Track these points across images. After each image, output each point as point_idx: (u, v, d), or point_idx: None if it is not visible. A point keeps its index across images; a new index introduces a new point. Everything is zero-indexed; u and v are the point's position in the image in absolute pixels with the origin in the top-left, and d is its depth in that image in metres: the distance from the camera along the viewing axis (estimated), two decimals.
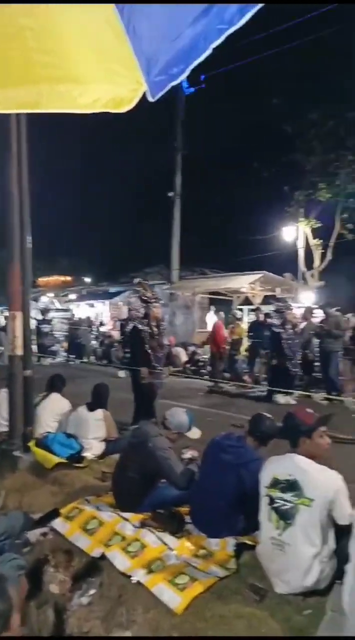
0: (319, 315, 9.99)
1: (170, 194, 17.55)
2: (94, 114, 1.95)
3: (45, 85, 1.84)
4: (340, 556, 2.34)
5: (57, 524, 3.17)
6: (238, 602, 2.40)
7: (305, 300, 14.75)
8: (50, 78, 1.83)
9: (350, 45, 14.02)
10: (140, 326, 5.97)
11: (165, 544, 2.89)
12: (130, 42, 1.64)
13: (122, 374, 11.39)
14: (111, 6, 1.63)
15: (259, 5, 1.22)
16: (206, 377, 11.81)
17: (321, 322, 9.27)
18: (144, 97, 1.79)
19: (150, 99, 1.69)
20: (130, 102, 1.81)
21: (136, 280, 7.08)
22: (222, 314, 12.26)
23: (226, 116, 19.27)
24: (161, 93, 1.63)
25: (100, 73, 1.85)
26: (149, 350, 5.86)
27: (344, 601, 2.04)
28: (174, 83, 1.58)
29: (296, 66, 15.74)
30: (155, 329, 5.99)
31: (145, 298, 6.19)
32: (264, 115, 17.05)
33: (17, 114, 4.22)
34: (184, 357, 13.45)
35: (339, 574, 2.33)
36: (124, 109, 1.83)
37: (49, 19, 1.77)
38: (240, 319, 12.21)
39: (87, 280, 27.79)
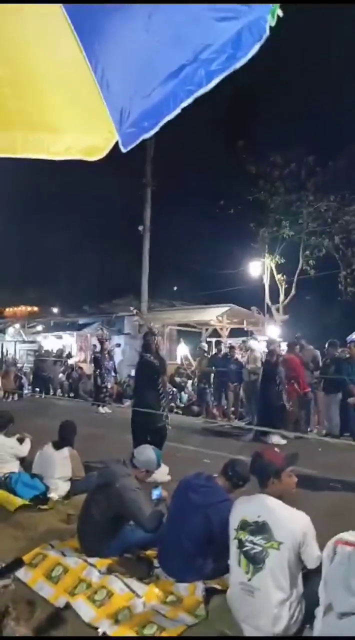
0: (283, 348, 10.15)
1: (140, 227, 17.83)
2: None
3: (20, 132, 1.88)
4: (308, 600, 2.33)
5: (20, 572, 3.03)
6: None
7: (271, 333, 15.02)
8: (25, 125, 1.88)
9: (309, 93, 14.97)
10: (150, 358, 5.41)
11: (133, 591, 2.79)
12: (103, 95, 1.71)
13: (102, 410, 11.14)
14: (84, 59, 1.70)
15: (226, 72, 1.30)
16: (175, 411, 11.72)
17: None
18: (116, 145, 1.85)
19: (123, 150, 1.75)
20: (102, 151, 1.87)
21: (133, 309, 6.84)
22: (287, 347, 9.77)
23: (194, 155, 19.95)
24: (133, 145, 1.70)
25: (74, 122, 1.91)
26: (161, 387, 5.35)
27: None
28: (146, 136, 1.64)
29: (260, 112, 16.61)
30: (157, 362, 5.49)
31: (150, 329, 5.86)
32: (229, 155, 17.78)
33: None
34: None
35: (308, 618, 2.31)
36: (95, 157, 1.88)
37: (26, 69, 1.82)
38: (207, 352, 12.27)
39: (55, 311, 27.43)
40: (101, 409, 11.23)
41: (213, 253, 20.77)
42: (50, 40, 1.82)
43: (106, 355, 11.78)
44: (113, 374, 11.72)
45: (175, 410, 11.98)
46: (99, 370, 11.69)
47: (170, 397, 12.56)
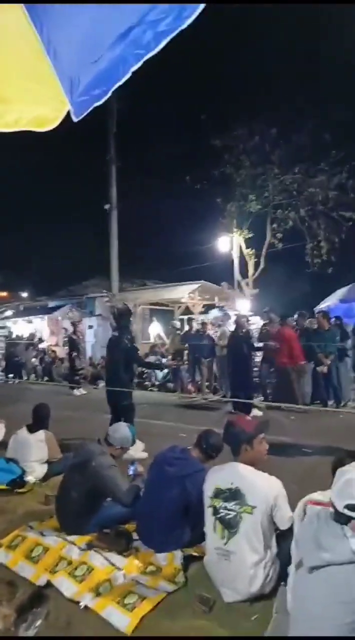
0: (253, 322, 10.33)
1: (107, 206, 17.46)
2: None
3: None
4: (282, 559, 2.42)
5: None
6: (187, 615, 2.41)
7: (242, 308, 15.18)
8: None
9: (272, 65, 14.84)
10: (131, 342, 5.79)
11: (113, 564, 2.84)
12: (52, 64, 1.64)
13: (77, 392, 11.12)
14: (31, 28, 1.62)
15: (173, 33, 1.27)
16: (150, 389, 11.82)
17: (264, 326, 9.58)
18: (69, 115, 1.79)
19: (74, 119, 1.69)
20: (53, 122, 1.81)
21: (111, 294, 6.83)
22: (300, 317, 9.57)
23: (158, 130, 19.59)
24: (85, 113, 1.64)
25: (23, 93, 1.83)
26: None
27: (288, 602, 2.11)
28: (97, 103, 1.59)
29: (223, 84, 16.39)
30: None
31: (127, 309, 6.04)
32: (194, 130, 17.54)
33: None
34: None
35: (282, 576, 2.41)
36: (46, 128, 1.82)
37: None
38: (180, 329, 12.32)
39: (24, 295, 26.92)
40: (76, 391, 11.21)
41: (182, 230, 20.66)
42: None
43: (79, 337, 11.73)
44: (85, 355, 11.74)
45: (150, 388, 12.05)
46: (73, 353, 11.63)
47: (145, 375, 12.64)
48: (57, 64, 1.65)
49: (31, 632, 2.58)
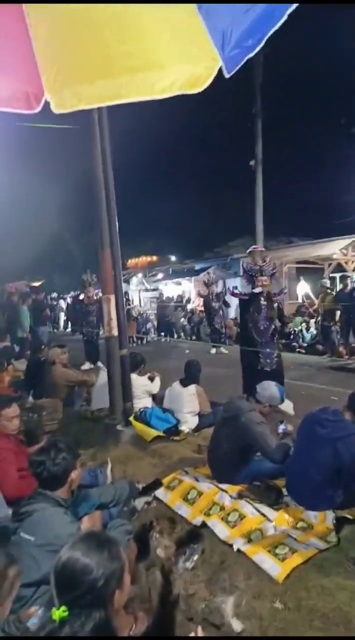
0: None
1: (252, 162, 16.98)
2: None
3: (125, 76, 1.88)
4: None
5: (160, 493, 3.36)
6: (339, 574, 2.40)
7: None
8: (129, 68, 1.87)
9: None
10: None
11: (264, 515, 2.94)
12: (204, 20, 1.63)
13: (213, 350, 11.50)
14: None
15: None
16: (298, 350, 11.56)
17: None
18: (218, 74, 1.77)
19: (227, 75, 1.66)
20: (205, 81, 1.79)
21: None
22: None
23: (306, 73, 18.03)
24: (237, 67, 1.60)
25: (176, 55, 1.85)
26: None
27: None
28: (250, 55, 1.54)
29: None
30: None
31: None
32: (347, 66, 15.72)
33: None
34: None
35: None
36: (199, 88, 1.81)
37: (123, 9, 1.80)
38: (330, 288, 11.65)
39: (173, 258, 28.17)
40: (212, 350, 11.51)
41: (332, 179, 19.04)
42: None
43: (214, 297, 11.88)
44: (226, 316, 11.90)
45: (298, 349, 11.78)
46: (210, 313, 11.91)
47: (292, 336, 12.37)
48: (209, 20, 1.62)
49: (189, 565, 2.86)
